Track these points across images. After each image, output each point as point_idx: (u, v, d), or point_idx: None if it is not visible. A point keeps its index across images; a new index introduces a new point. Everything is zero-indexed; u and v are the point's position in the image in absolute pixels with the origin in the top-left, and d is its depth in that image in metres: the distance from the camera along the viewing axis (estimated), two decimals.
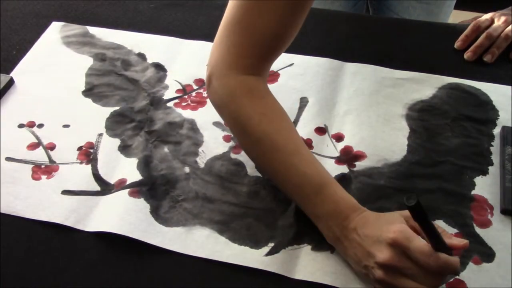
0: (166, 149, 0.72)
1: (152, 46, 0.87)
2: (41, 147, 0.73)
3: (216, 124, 0.75)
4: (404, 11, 1.09)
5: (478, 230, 0.63)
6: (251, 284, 0.59)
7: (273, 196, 0.66)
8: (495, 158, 0.70)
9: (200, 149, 0.72)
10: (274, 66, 0.81)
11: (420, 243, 0.51)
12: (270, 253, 0.61)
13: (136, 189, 0.67)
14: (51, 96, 0.80)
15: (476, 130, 0.73)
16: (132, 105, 0.78)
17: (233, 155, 0.71)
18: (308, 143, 0.72)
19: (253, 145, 0.64)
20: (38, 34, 0.90)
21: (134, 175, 0.69)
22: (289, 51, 0.83)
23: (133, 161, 0.71)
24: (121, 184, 0.68)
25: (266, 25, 0.62)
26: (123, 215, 0.64)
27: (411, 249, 0.51)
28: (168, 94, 0.80)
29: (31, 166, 0.71)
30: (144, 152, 0.71)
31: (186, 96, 0.79)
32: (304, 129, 0.74)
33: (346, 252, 0.58)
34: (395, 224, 0.54)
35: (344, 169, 0.69)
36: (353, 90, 0.79)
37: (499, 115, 0.75)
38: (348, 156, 0.70)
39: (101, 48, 0.87)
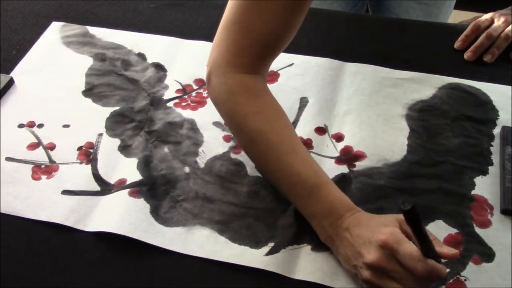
0: (166, 149, 0.72)
1: (152, 46, 0.87)
2: (41, 147, 0.73)
3: (216, 124, 0.75)
4: (403, 12, 1.09)
5: (478, 230, 0.63)
6: (251, 284, 0.59)
7: (273, 196, 0.66)
8: (495, 158, 0.70)
9: (200, 149, 0.72)
10: (274, 66, 0.81)
11: (409, 247, 0.51)
12: (270, 253, 0.61)
13: (136, 189, 0.67)
14: (51, 96, 0.80)
15: (476, 130, 0.73)
16: (132, 105, 0.78)
17: (233, 155, 0.71)
18: (308, 143, 0.72)
19: (249, 144, 0.65)
20: (38, 34, 0.90)
21: (134, 175, 0.69)
22: (289, 51, 0.83)
23: (133, 161, 0.71)
24: (121, 184, 0.68)
25: (265, 25, 0.62)
26: (123, 215, 0.64)
27: (400, 252, 0.51)
28: (168, 94, 0.80)
29: (31, 166, 0.71)
30: (144, 152, 0.71)
31: (186, 96, 0.79)
32: (304, 129, 0.74)
33: (337, 251, 0.58)
34: (387, 227, 0.54)
35: (344, 169, 0.69)
36: (353, 90, 0.79)
37: (499, 115, 0.75)
38: (348, 156, 0.71)
39: (101, 48, 0.87)
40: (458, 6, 1.11)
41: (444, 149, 0.71)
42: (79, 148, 0.73)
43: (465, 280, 0.58)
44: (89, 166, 0.70)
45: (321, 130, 0.74)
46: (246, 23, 0.63)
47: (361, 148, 0.71)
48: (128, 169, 0.70)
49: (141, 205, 0.65)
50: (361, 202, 0.61)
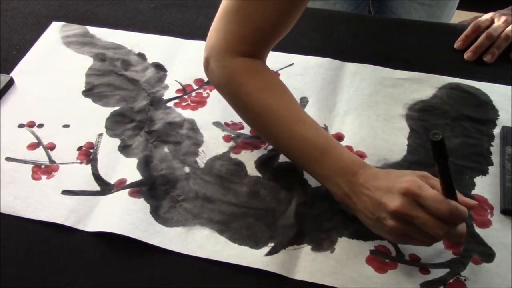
0: (166, 149, 0.72)
1: (152, 46, 0.87)
2: (41, 147, 0.73)
3: (216, 124, 0.75)
4: (406, 13, 1.09)
5: (478, 230, 0.63)
6: (251, 284, 0.59)
7: (273, 196, 0.66)
8: (495, 158, 0.70)
9: (200, 149, 0.72)
10: (274, 66, 0.81)
11: (432, 191, 0.52)
12: (270, 253, 0.61)
13: (136, 189, 0.67)
14: (51, 96, 0.80)
15: (476, 130, 0.73)
16: (132, 105, 0.78)
17: (233, 155, 0.71)
18: None
19: (256, 119, 0.66)
20: (38, 34, 0.90)
21: (134, 175, 0.69)
22: (289, 51, 0.83)
23: (133, 161, 0.71)
24: (121, 184, 0.68)
25: (264, 14, 0.63)
26: (123, 215, 0.64)
27: (423, 196, 0.52)
28: (168, 94, 0.80)
29: (31, 166, 0.71)
30: (144, 152, 0.71)
31: (186, 96, 0.79)
32: None
33: (355, 208, 0.59)
34: (407, 176, 0.55)
35: None
36: (353, 90, 0.79)
37: (499, 115, 0.75)
38: None
39: (101, 48, 0.87)
40: (458, 6, 1.11)
41: None
42: (79, 148, 0.73)
43: (465, 280, 0.58)
44: (89, 166, 0.70)
45: None
46: (245, 12, 0.63)
47: (361, 148, 0.71)
48: (128, 169, 0.70)
49: (141, 205, 0.65)
50: None
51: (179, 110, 0.77)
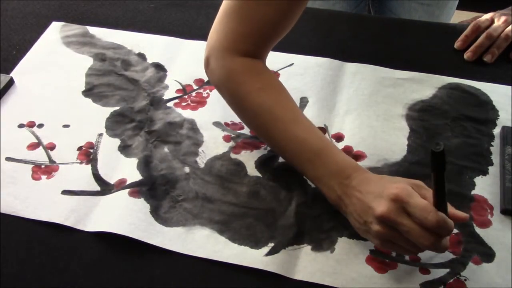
0: (166, 149, 0.72)
1: (152, 46, 0.87)
2: (41, 147, 0.73)
3: (216, 124, 0.75)
4: (405, 13, 1.09)
5: (478, 230, 0.63)
6: (251, 284, 0.59)
7: (273, 196, 0.66)
8: (495, 158, 0.70)
9: (200, 149, 0.72)
10: (274, 66, 0.81)
11: (421, 200, 0.52)
12: (270, 253, 0.61)
13: (136, 189, 0.67)
14: (51, 96, 0.80)
15: (476, 130, 0.73)
16: (132, 105, 0.78)
17: (233, 155, 0.71)
18: None
19: (253, 119, 0.66)
20: (38, 34, 0.90)
21: (134, 175, 0.69)
22: (289, 51, 0.83)
23: (133, 161, 0.71)
24: (121, 184, 0.68)
25: (264, 14, 0.64)
26: (123, 215, 0.64)
27: (411, 204, 0.52)
28: (168, 94, 0.80)
29: (31, 166, 0.71)
30: (144, 152, 0.71)
31: (186, 96, 0.79)
32: None
33: (346, 211, 0.59)
34: (399, 183, 0.55)
35: None
36: (353, 90, 0.79)
37: (499, 115, 0.75)
38: None
39: (101, 48, 0.87)
40: (458, 6, 1.11)
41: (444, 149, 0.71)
42: (79, 148, 0.73)
43: (465, 280, 0.58)
44: (89, 166, 0.70)
45: (321, 130, 0.74)
46: (245, 12, 0.64)
47: (361, 148, 0.71)
48: (128, 169, 0.70)
49: (141, 205, 0.65)
50: None
51: (179, 110, 0.77)
